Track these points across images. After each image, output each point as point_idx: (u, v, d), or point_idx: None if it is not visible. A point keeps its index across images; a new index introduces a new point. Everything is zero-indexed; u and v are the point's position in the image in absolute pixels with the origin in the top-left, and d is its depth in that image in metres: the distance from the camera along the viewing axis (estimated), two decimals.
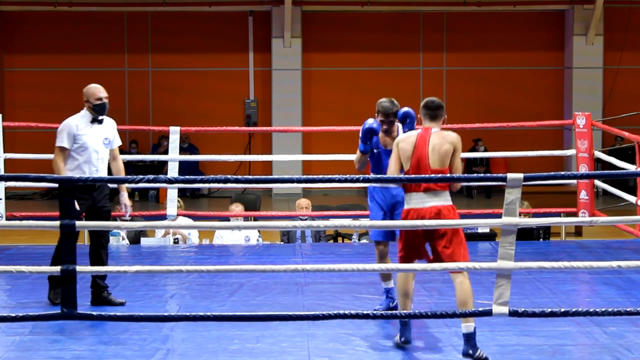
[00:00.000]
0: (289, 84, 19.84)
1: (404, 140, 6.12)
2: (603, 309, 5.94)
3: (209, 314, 5.93)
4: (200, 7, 19.81)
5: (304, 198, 11.23)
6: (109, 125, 7.32)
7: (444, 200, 6.01)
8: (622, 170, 9.94)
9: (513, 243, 5.70)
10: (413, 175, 5.98)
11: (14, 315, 5.93)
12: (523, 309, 5.83)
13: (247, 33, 20.14)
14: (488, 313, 5.78)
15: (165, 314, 6.75)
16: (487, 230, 10.37)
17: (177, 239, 10.38)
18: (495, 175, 6.02)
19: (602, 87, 19.99)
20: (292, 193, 18.48)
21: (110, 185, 7.52)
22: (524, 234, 9.82)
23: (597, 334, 6.47)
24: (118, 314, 6.07)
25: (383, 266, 6.71)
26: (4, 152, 9.96)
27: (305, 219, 10.34)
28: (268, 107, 20.05)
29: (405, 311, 6.07)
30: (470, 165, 19.47)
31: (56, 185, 5.82)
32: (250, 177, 6.04)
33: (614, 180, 16.70)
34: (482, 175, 6.19)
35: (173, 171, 10.30)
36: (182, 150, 17.08)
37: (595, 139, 10.90)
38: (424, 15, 20.30)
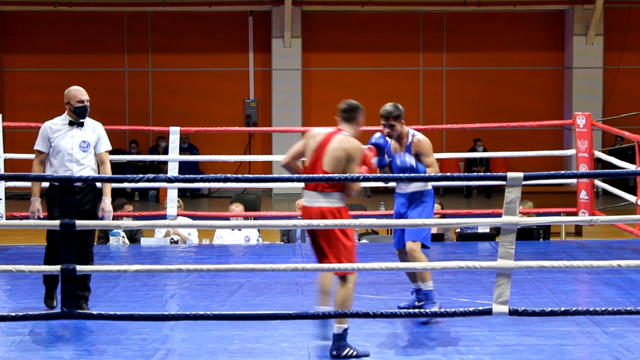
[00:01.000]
0: (289, 84, 19.83)
1: (314, 136, 6.18)
2: (603, 309, 5.94)
3: (209, 313, 5.93)
4: (200, 7, 19.80)
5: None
6: (91, 129, 7.15)
7: (331, 202, 6.03)
8: (622, 170, 9.94)
9: (513, 242, 5.70)
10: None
11: (14, 315, 5.94)
12: (523, 308, 5.83)
13: (247, 33, 20.13)
14: (488, 312, 5.78)
15: (165, 313, 6.75)
16: (487, 230, 10.36)
17: (175, 240, 10.37)
18: (495, 174, 6.02)
19: (602, 87, 19.99)
20: (292, 193, 18.46)
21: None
22: (524, 234, 9.81)
23: (597, 334, 6.47)
24: (118, 313, 6.07)
25: (384, 265, 6.69)
26: (4, 152, 9.96)
27: None
28: (268, 107, 20.04)
29: (324, 308, 6.06)
30: (470, 165, 19.46)
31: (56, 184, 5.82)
32: (250, 176, 6.02)
33: (614, 180, 16.72)
34: (482, 174, 6.19)
35: (173, 171, 10.30)
36: (182, 151, 17.09)
37: (595, 139, 10.90)
38: (424, 15, 20.29)
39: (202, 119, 18.78)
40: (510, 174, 5.65)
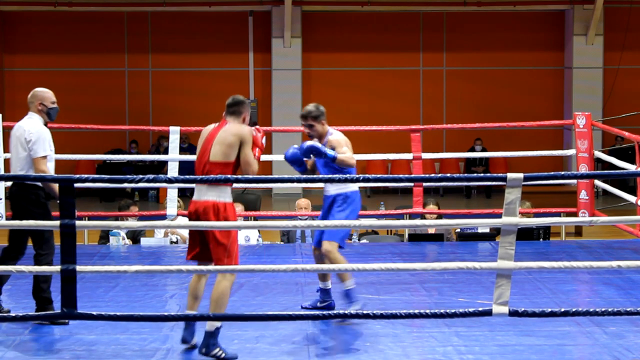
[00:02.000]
0: (289, 84, 19.84)
1: (204, 131, 6.23)
2: (603, 309, 5.94)
3: (208, 313, 5.93)
4: (200, 7, 19.81)
5: (303, 198, 11.22)
6: None
7: (218, 196, 6.03)
8: (622, 170, 9.94)
9: (513, 243, 5.70)
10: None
11: (14, 315, 5.94)
12: (523, 309, 5.83)
13: (247, 33, 20.14)
14: (488, 313, 5.78)
15: (165, 314, 6.75)
16: (487, 230, 10.36)
17: (175, 240, 10.36)
18: (495, 175, 6.02)
19: (602, 87, 19.99)
20: (292, 193, 18.47)
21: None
22: (524, 234, 9.81)
23: (597, 334, 6.47)
24: (118, 314, 6.07)
25: (383, 265, 6.70)
26: (4, 152, 9.96)
27: (305, 219, 10.33)
28: (268, 107, 20.04)
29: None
30: (469, 165, 19.46)
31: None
32: (250, 176, 6.03)
33: (614, 180, 16.71)
34: (482, 175, 6.19)
35: (173, 171, 10.30)
36: (182, 150, 17.07)
37: (595, 139, 10.90)
38: (424, 15, 20.30)
39: (202, 119, 18.70)
40: (510, 175, 5.65)
